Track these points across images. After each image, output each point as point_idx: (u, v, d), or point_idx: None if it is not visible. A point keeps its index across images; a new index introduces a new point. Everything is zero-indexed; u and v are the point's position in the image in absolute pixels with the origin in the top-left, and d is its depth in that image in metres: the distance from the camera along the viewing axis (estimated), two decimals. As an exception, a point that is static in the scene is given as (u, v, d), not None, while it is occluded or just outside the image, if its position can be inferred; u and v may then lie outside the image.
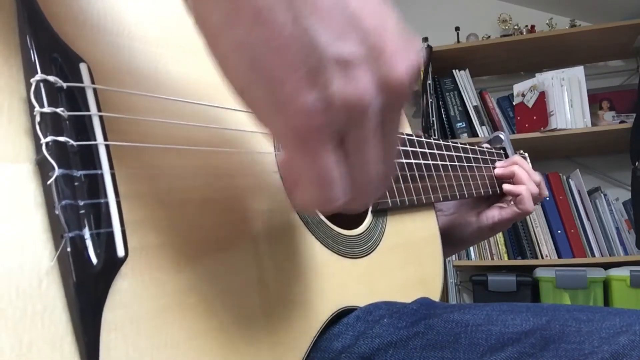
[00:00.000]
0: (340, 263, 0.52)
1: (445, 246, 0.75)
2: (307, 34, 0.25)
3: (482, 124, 2.32)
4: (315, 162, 0.27)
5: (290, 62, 0.25)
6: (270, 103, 0.26)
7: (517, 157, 0.88)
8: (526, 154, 0.99)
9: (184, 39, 0.41)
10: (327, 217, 0.53)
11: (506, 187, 0.85)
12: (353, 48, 0.26)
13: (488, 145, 0.91)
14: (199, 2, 0.27)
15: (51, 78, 0.30)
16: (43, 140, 0.29)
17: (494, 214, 0.84)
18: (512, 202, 0.84)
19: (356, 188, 0.30)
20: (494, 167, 0.87)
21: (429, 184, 0.69)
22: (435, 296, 0.66)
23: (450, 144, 0.78)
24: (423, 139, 0.72)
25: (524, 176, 0.84)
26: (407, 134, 0.69)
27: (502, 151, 0.93)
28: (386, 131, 0.29)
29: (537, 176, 0.86)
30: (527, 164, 0.87)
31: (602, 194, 2.20)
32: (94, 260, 0.30)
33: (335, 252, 0.52)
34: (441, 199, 0.71)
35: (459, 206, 0.88)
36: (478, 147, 0.86)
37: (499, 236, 2.24)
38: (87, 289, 0.29)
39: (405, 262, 0.64)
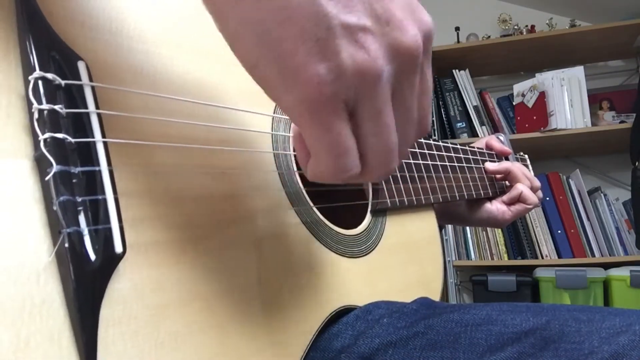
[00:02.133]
0: (340, 262, 0.52)
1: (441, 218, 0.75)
2: (315, 4, 0.25)
3: (482, 124, 2.32)
4: (328, 132, 0.27)
5: (298, 34, 0.25)
6: (280, 76, 0.26)
7: (509, 163, 0.88)
8: (526, 156, 0.99)
9: (183, 37, 0.41)
10: (326, 217, 0.53)
11: (505, 198, 0.85)
12: (361, 16, 0.26)
13: (495, 137, 0.92)
14: None
15: (49, 75, 0.30)
16: (41, 137, 0.29)
17: (496, 216, 0.84)
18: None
19: (372, 158, 0.30)
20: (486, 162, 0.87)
21: (428, 185, 0.69)
22: (435, 296, 0.66)
23: (450, 145, 0.78)
24: (423, 140, 0.72)
25: (518, 173, 0.84)
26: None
27: (493, 152, 0.93)
28: (400, 99, 0.29)
29: (536, 182, 0.86)
30: (525, 168, 0.87)
31: (602, 194, 2.20)
32: (92, 256, 0.30)
33: (334, 252, 0.52)
34: (440, 200, 0.71)
35: None
36: (478, 148, 0.86)
37: (499, 236, 2.24)
38: (85, 284, 0.29)
39: (405, 262, 0.64)
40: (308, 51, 0.25)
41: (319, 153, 0.29)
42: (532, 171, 0.92)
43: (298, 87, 0.26)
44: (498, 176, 0.86)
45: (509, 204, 0.85)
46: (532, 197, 0.83)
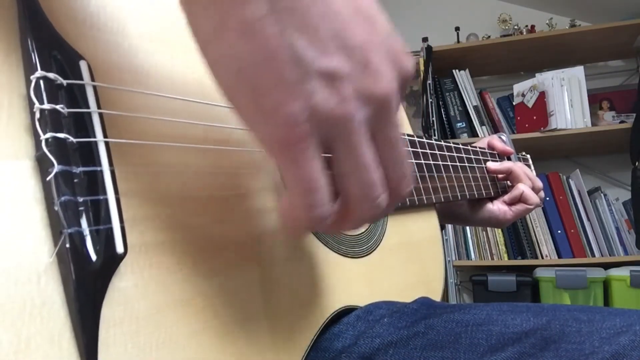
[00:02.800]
0: (341, 262, 0.52)
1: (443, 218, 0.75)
2: (293, 48, 0.26)
3: (482, 124, 2.32)
4: (298, 168, 0.28)
5: (275, 74, 0.26)
6: (255, 111, 0.27)
7: (511, 163, 0.88)
8: (528, 156, 0.99)
9: (184, 37, 0.41)
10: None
11: (507, 198, 0.85)
12: (338, 63, 0.27)
13: (497, 137, 0.92)
14: (191, 11, 0.28)
15: (51, 75, 0.30)
16: (42, 137, 0.29)
17: (498, 215, 0.84)
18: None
19: (353, 195, 0.31)
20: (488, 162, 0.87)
21: (430, 185, 0.69)
22: (437, 296, 0.66)
23: (452, 145, 0.78)
24: (424, 140, 0.72)
25: (520, 173, 0.84)
26: (409, 135, 0.69)
27: (495, 151, 0.93)
28: (383, 138, 0.30)
29: (538, 182, 0.86)
30: (527, 168, 0.87)
31: (602, 194, 2.20)
32: (93, 256, 0.30)
33: (335, 252, 0.52)
34: (442, 200, 0.71)
35: None
36: (480, 148, 0.86)
37: (499, 236, 2.24)
38: (86, 285, 0.29)
39: (406, 262, 0.64)
40: (282, 91, 0.26)
41: (291, 188, 0.30)
42: (534, 171, 0.92)
43: (271, 124, 0.27)
44: (500, 176, 0.86)
45: (510, 204, 0.85)
46: (534, 198, 0.83)
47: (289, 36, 0.26)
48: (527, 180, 0.84)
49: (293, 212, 0.31)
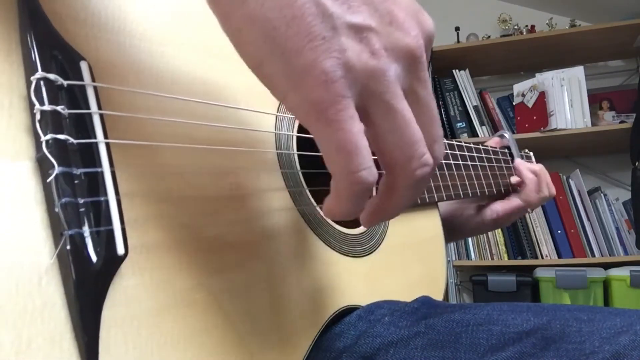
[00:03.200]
0: (343, 262, 0.52)
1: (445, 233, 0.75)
2: (320, 3, 0.25)
3: (482, 124, 2.32)
4: (336, 131, 0.27)
5: (304, 31, 0.25)
6: (286, 75, 0.26)
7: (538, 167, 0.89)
8: (531, 153, 0.99)
9: (186, 35, 0.41)
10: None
11: (513, 179, 0.86)
12: (365, 17, 0.27)
13: (498, 140, 0.92)
14: None
15: (51, 76, 0.30)
16: (43, 138, 0.29)
17: (497, 208, 0.84)
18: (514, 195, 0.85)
19: (397, 155, 0.29)
20: (510, 175, 0.88)
21: (432, 184, 0.69)
22: (438, 295, 0.66)
23: (454, 143, 0.78)
24: None
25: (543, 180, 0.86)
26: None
27: (506, 150, 0.93)
28: (415, 98, 0.29)
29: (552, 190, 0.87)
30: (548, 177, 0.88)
31: (602, 194, 2.20)
32: (94, 258, 0.29)
33: (337, 251, 0.52)
34: (445, 198, 0.71)
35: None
36: (482, 146, 0.86)
37: (499, 236, 2.24)
38: (87, 286, 0.29)
39: (408, 261, 0.64)
40: (314, 49, 0.25)
41: (330, 154, 0.28)
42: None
43: (304, 86, 0.26)
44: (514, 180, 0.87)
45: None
46: (533, 195, 0.83)
47: None
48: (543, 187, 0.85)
49: (336, 183, 0.29)
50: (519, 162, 0.89)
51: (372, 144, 0.29)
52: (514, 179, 0.87)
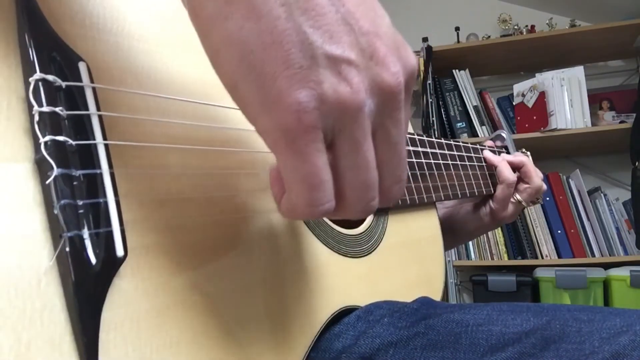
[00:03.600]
0: (341, 262, 0.52)
1: (446, 235, 0.75)
2: (300, 30, 0.25)
3: (482, 124, 2.32)
4: (303, 163, 0.27)
5: (281, 58, 0.25)
6: (259, 99, 0.26)
7: (519, 153, 0.88)
8: (528, 153, 0.99)
9: (184, 37, 0.41)
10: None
11: (486, 153, 0.85)
12: (346, 48, 0.26)
13: (491, 143, 0.91)
14: None
15: (50, 77, 0.30)
16: (42, 140, 0.29)
17: (492, 203, 0.84)
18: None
19: (349, 193, 0.29)
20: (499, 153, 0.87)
21: (430, 184, 0.69)
22: (437, 296, 0.66)
23: (452, 142, 0.78)
24: (424, 138, 0.72)
25: (531, 168, 0.85)
26: (409, 133, 0.69)
27: (503, 150, 0.93)
28: (384, 136, 0.29)
29: (539, 173, 0.87)
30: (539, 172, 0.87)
31: (602, 194, 2.20)
32: (93, 260, 0.29)
33: (336, 252, 0.52)
34: (442, 198, 0.71)
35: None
36: (480, 145, 0.86)
37: (499, 236, 2.24)
38: (86, 288, 0.29)
39: (407, 261, 0.64)
40: (290, 77, 0.25)
41: (293, 184, 0.28)
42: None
43: (276, 112, 0.26)
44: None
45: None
46: (507, 172, 0.82)
47: (297, 19, 0.25)
48: (503, 160, 0.84)
49: (295, 209, 0.29)
50: (485, 152, 0.87)
51: (331, 169, 0.29)
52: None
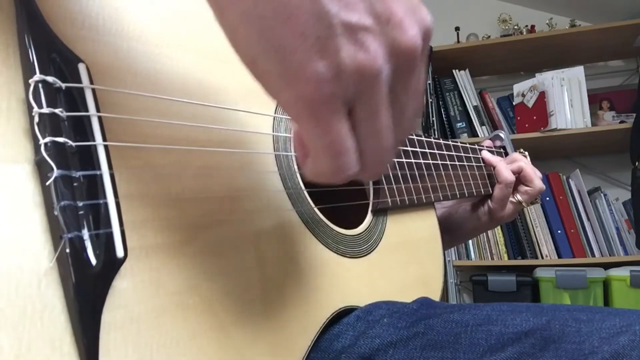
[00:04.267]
0: (341, 263, 0.52)
1: (444, 235, 0.75)
2: (316, 2, 0.25)
3: (482, 124, 2.32)
4: (327, 132, 0.27)
5: (299, 31, 0.25)
6: (280, 73, 0.26)
7: (517, 155, 0.88)
8: (526, 153, 0.99)
9: (183, 37, 0.41)
10: (327, 217, 0.53)
11: (484, 154, 0.85)
12: (362, 16, 0.26)
13: (490, 143, 0.91)
14: None
15: (50, 78, 0.30)
16: (42, 141, 0.29)
17: (489, 202, 0.84)
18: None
19: (369, 157, 0.30)
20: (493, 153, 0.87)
21: (429, 184, 0.69)
22: (436, 296, 0.66)
23: (450, 143, 0.78)
24: (423, 139, 0.72)
25: (530, 171, 0.84)
26: (408, 134, 0.69)
27: (502, 150, 0.93)
28: (397, 99, 0.29)
29: (538, 173, 0.86)
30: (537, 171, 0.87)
31: (602, 194, 2.20)
32: (93, 261, 0.30)
33: (335, 252, 0.52)
34: (441, 199, 0.71)
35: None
36: (478, 146, 0.86)
37: (499, 236, 2.24)
38: (87, 289, 0.29)
39: (406, 261, 0.64)
40: (308, 49, 0.25)
41: (318, 152, 0.29)
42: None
43: (297, 84, 0.26)
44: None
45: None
46: (505, 173, 0.82)
47: None
48: (502, 160, 0.84)
49: (321, 174, 0.30)
50: (483, 152, 0.87)
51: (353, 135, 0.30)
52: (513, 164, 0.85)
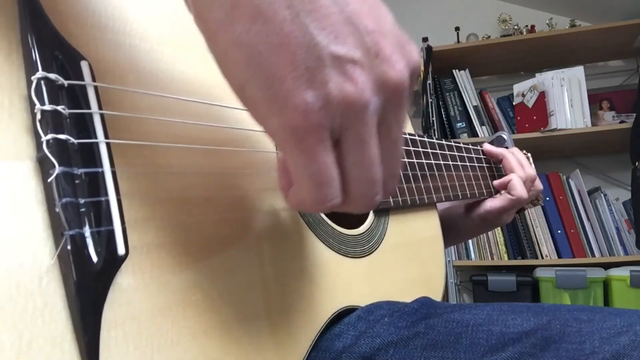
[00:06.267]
0: (342, 262, 0.52)
1: (443, 234, 0.74)
2: (306, 31, 0.25)
3: (482, 124, 2.32)
4: (311, 161, 0.28)
5: (288, 60, 0.25)
6: (267, 100, 0.27)
7: (513, 149, 0.88)
8: (529, 154, 0.99)
9: (187, 36, 0.41)
10: (328, 217, 0.53)
11: (495, 182, 0.84)
12: (351, 48, 0.26)
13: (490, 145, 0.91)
14: None
15: (52, 76, 0.30)
16: (44, 138, 0.29)
17: (485, 203, 0.83)
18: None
19: (354, 188, 0.30)
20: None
21: (431, 184, 0.69)
22: (437, 296, 0.66)
23: (452, 144, 0.78)
24: (425, 139, 0.72)
25: (513, 161, 0.84)
26: (410, 134, 0.69)
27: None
28: (386, 132, 0.30)
29: (530, 170, 0.85)
30: (524, 159, 0.86)
31: (602, 194, 2.20)
32: (95, 258, 0.29)
33: (336, 252, 0.52)
34: (443, 199, 0.71)
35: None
36: (480, 147, 0.86)
37: (499, 236, 2.24)
38: (88, 287, 0.29)
39: (407, 261, 0.64)
40: (297, 78, 0.26)
41: (302, 181, 0.29)
42: (534, 168, 0.91)
43: (284, 113, 0.26)
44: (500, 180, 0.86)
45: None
46: (519, 189, 0.80)
47: (302, 20, 0.25)
48: (520, 169, 0.83)
49: (303, 203, 0.30)
50: (485, 145, 0.87)
51: (337, 166, 0.30)
52: (496, 182, 0.84)
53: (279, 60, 0.25)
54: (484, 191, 0.81)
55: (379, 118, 0.29)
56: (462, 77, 2.37)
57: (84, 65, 0.32)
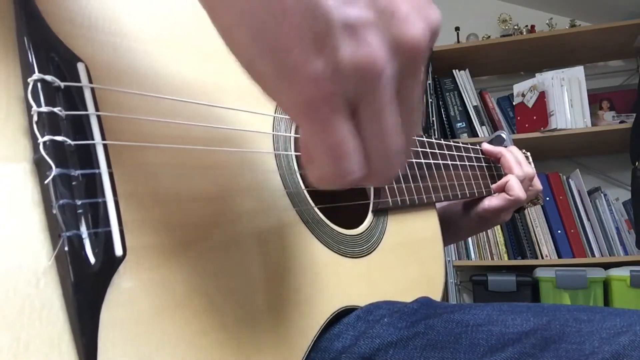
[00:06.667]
0: (341, 262, 0.52)
1: (442, 233, 0.74)
2: None
3: (482, 124, 2.32)
4: (327, 133, 0.26)
5: (295, 29, 0.24)
6: (277, 74, 0.25)
7: (511, 147, 0.87)
8: (528, 153, 0.98)
9: (182, 36, 0.41)
10: (327, 217, 0.53)
11: (494, 186, 0.84)
12: (362, 11, 0.25)
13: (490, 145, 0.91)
14: None
15: (48, 77, 0.30)
16: (40, 140, 0.29)
17: (483, 202, 0.82)
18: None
19: (376, 160, 0.28)
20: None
21: (430, 184, 0.69)
22: (437, 296, 0.66)
23: (451, 143, 0.78)
24: (424, 139, 0.72)
25: (511, 159, 0.83)
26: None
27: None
28: (404, 99, 0.28)
29: (528, 168, 0.84)
30: (523, 157, 0.86)
31: (602, 194, 2.20)
32: (92, 259, 0.29)
33: (335, 252, 0.52)
34: (442, 199, 0.71)
35: None
36: (479, 146, 0.86)
37: (499, 236, 2.24)
38: (85, 288, 0.29)
39: (406, 261, 0.64)
40: (305, 47, 0.24)
41: (320, 155, 0.27)
42: (533, 167, 0.91)
43: (295, 85, 0.25)
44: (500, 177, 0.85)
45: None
46: (517, 189, 0.80)
47: None
48: (518, 168, 0.82)
49: (324, 180, 0.28)
50: (484, 145, 0.86)
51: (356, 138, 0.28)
52: (494, 185, 0.84)
53: (285, 31, 0.24)
54: (483, 190, 0.81)
55: (396, 84, 0.27)
56: (462, 77, 2.37)
57: (80, 67, 0.32)
